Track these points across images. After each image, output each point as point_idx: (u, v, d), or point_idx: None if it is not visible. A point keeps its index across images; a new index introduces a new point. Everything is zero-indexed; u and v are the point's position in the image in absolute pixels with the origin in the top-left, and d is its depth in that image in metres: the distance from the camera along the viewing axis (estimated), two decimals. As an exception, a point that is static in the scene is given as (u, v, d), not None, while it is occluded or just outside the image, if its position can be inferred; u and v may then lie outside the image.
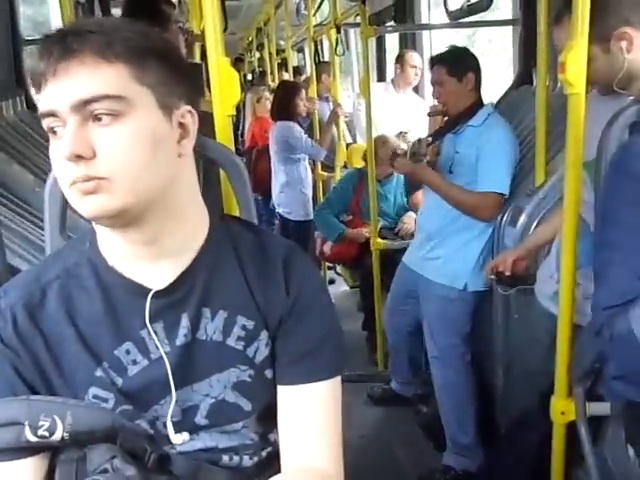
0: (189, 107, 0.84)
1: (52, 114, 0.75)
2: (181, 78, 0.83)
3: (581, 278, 1.46)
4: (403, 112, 3.75)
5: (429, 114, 2.48)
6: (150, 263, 0.85)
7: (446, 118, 2.37)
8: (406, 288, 2.52)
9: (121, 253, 0.86)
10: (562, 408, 1.50)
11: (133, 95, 0.76)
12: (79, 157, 0.74)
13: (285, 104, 3.81)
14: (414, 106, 3.85)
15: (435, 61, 2.35)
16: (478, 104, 2.28)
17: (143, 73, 0.77)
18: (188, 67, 0.86)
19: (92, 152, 0.74)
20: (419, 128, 3.30)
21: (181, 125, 0.83)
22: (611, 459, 1.29)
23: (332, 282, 4.36)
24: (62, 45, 0.74)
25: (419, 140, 2.42)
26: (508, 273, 1.87)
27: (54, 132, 0.77)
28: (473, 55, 2.33)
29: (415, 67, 3.84)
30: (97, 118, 0.75)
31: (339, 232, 3.28)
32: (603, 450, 1.31)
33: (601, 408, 1.36)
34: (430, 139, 2.37)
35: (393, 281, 2.64)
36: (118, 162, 0.75)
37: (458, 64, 2.26)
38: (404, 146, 2.94)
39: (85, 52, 0.74)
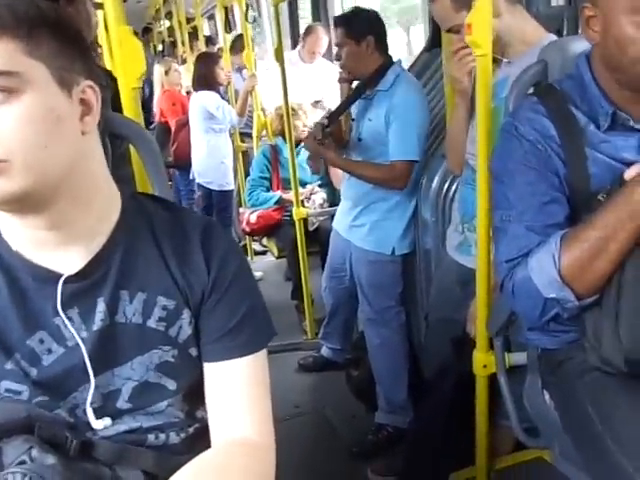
0: (90, 82, 0.79)
1: None
2: (78, 51, 0.78)
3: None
4: (312, 81, 3.76)
5: (338, 80, 2.46)
6: (59, 248, 0.82)
7: (355, 84, 2.35)
8: (341, 254, 2.53)
9: (25, 239, 0.82)
10: (484, 361, 1.57)
11: (26, 70, 0.71)
12: None
13: (205, 74, 3.79)
14: (325, 73, 3.86)
15: (336, 23, 2.32)
16: (386, 66, 2.24)
17: (34, 46, 0.72)
18: (85, 39, 0.81)
19: None
20: (332, 94, 3.30)
21: (82, 101, 0.78)
22: (529, 406, 1.36)
23: (263, 253, 4.35)
24: None
25: (315, 124, 2.40)
26: None
27: None
28: (376, 17, 2.29)
29: (320, 39, 3.87)
30: None
31: (276, 199, 3.33)
32: (522, 398, 1.38)
33: (519, 358, 1.43)
34: (326, 121, 2.31)
35: (330, 247, 2.64)
36: (14, 143, 0.70)
37: (357, 26, 2.22)
38: (319, 115, 2.94)
39: None
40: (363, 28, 2.21)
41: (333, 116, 2.35)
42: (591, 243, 1.03)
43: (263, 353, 0.92)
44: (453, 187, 2.07)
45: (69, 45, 0.76)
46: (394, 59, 2.27)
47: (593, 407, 1.12)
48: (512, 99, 1.29)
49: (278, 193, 3.37)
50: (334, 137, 2.36)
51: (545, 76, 1.29)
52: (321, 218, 3.23)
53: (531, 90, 1.28)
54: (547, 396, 1.31)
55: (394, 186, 2.20)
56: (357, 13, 2.30)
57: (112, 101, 1.18)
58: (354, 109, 2.38)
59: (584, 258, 1.04)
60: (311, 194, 3.29)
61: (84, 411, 0.84)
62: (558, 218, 1.12)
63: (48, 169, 0.74)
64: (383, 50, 2.26)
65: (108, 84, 0.88)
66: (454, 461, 1.83)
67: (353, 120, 2.38)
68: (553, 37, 1.54)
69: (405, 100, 2.17)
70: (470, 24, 1.34)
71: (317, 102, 3.59)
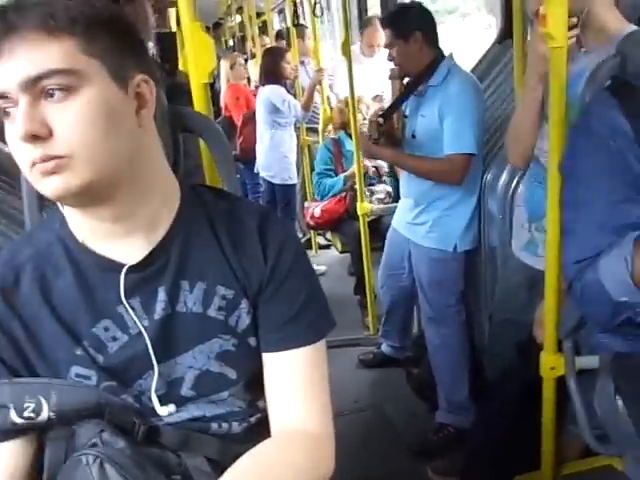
0: (144, 76, 0.80)
1: (2, 96, 0.73)
2: (131, 46, 0.80)
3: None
4: (373, 75, 3.73)
5: (389, 77, 2.42)
6: (121, 238, 0.84)
7: (406, 80, 2.31)
8: (399, 252, 2.51)
9: (91, 231, 0.85)
10: (551, 363, 1.52)
11: (83, 67, 0.73)
12: (35, 137, 0.71)
13: (271, 68, 3.83)
14: (385, 67, 3.83)
15: (383, 24, 2.30)
16: (437, 61, 2.20)
17: (90, 44, 0.74)
18: (138, 34, 0.83)
19: (48, 131, 0.72)
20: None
21: (138, 95, 0.80)
22: (600, 411, 1.31)
23: (327, 247, 4.36)
24: (3, 23, 0.71)
25: (369, 122, 2.37)
26: None
27: (7, 114, 0.74)
28: (421, 11, 2.24)
29: (378, 31, 3.81)
30: (49, 95, 0.72)
31: (340, 181, 3.34)
32: (592, 403, 1.33)
33: (590, 361, 1.38)
34: (380, 119, 2.28)
35: (386, 244, 2.63)
36: (75, 138, 0.73)
37: (402, 25, 2.18)
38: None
39: (28, 27, 0.71)
40: (409, 25, 2.18)
41: (387, 114, 2.32)
42: None
43: (322, 344, 0.92)
44: (521, 184, 2.01)
45: (123, 41, 0.78)
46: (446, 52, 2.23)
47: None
48: (587, 94, 1.23)
49: (341, 176, 3.37)
50: (387, 135, 2.33)
51: (623, 70, 1.22)
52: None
53: (606, 85, 1.22)
54: (620, 402, 1.26)
55: (451, 180, 2.16)
56: (402, 11, 2.28)
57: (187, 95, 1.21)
58: (406, 106, 2.35)
59: None
60: (371, 185, 3.27)
61: (149, 398, 0.86)
62: (632, 218, 1.06)
63: (109, 162, 0.76)
64: (433, 44, 2.22)
65: (162, 78, 0.90)
66: (518, 465, 1.79)
67: (405, 117, 2.35)
68: (634, 27, 1.46)
69: (459, 93, 2.12)
70: (545, 15, 1.29)
71: (377, 96, 3.56)
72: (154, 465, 0.83)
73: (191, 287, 0.87)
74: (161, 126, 0.87)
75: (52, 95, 0.72)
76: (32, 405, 0.78)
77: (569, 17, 1.30)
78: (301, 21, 4.70)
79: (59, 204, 0.84)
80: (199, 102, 1.15)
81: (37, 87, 0.72)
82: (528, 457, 1.73)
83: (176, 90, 1.30)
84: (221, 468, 0.82)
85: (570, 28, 1.35)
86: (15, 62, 0.71)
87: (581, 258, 1.09)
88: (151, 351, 0.85)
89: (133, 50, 0.80)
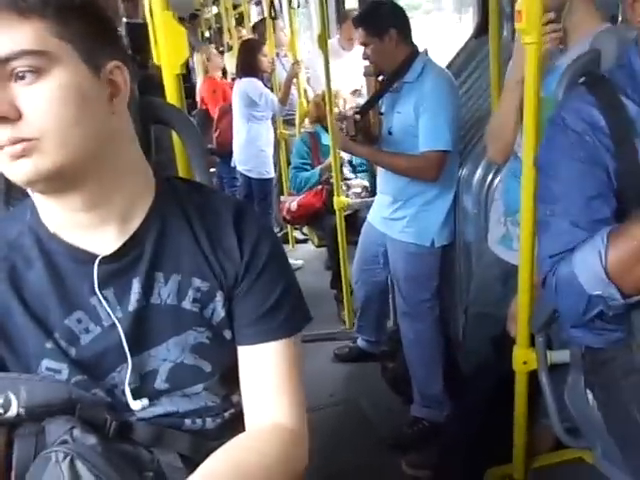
0: (117, 62, 0.79)
1: None
2: (104, 32, 0.79)
3: None
4: (351, 69, 3.72)
5: (364, 74, 2.42)
6: (94, 229, 0.83)
7: (381, 77, 2.31)
8: (374, 247, 2.51)
9: (63, 220, 0.83)
10: (524, 357, 1.54)
11: (54, 50, 0.72)
12: (3, 119, 0.70)
13: (249, 61, 3.80)
14: (364, 61, 3.84)
15: (355, 22, 2.28)
16: (411, 57, 2.20)
17: (62, 27, 0.73)
18: (112, 21, 0.82)
19: (17, 113, 0.71)
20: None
21: (111, 82, 0.79)
22: (571, 405, 1.33)
23: (304, 242, 4.35)
24: None
25: (346, 117, 2.37)
26: None
27: None
28: (394, 8, 2.24)
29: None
30: (19, 77, 0.71)
31: (316, 174, 3.34)
32: (564, 397, 1.35)
33: (561, 356, 1.39)
34: (357, 116, 2.28)
35: (360, 239, 2.63)
36: (45, 121, 0.72)
37: (376, 23, 2.17)
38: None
39: None
40: (384, 23, 2.17)
41: (363, 110, 2.31)
42: None
43: (297, 338, 0.92)
44: (497, 179, 2.03)
45: (96, 27, 0.77)
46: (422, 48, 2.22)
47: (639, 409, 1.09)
48: (561, 90, 1.25)
49: (317, 169, 3.37)
50: (363, 132, 2.33)
51: (597, 66, 1.24)
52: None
53: (581, 80, 1.23)
54: (590, 396, 1.28)
55: (427, 177, 2.17)
56: (375, 8, 2.25)
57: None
58: (382, 103, 2.34)
59: (632, 255, 1.00)
60: (347, 180, 3.27)
61: (122, 391, 0.85)
62: (605, 213, 1.07)
63: (79, 146, 0.75)
64: (408, 40, 2.22)
65: (134, 70, 0.88)
66: (490, 457, 1.81)
67: (381, 114, 2.35)
68: (607, 25, 1.48)
69: (434, 90, 2.13)
70: (520, 11, 1.30)
71: (356, 91, 3.56)
72: (126, 462, 0.82)
73: (166, 279, 0.86)
74: (132, 118, 0.85)
75: (22, 77, 0.71)
76: (0, 401, 0.77)
77: (546, 12, 1.31)
78: (278, 14, 4.66)
79: (29, 192, 0.82)
80: (171, 94, 1.13)
81: (6, 68, 0.70)
82: (501, 450, 1.75)
83: (148, 83, 1.28)
84: (194, 464, 0.81)
85: (547, 23, 1.36)
86: None
87: (555, 252, 1.10)
88: (125, 343, 0.84)
89: (106, 37, 0.79)
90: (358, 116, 2.28)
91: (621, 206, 1.08)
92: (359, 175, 3.37)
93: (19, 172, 0.73)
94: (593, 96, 1.11)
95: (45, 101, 0.71)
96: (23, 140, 0.71)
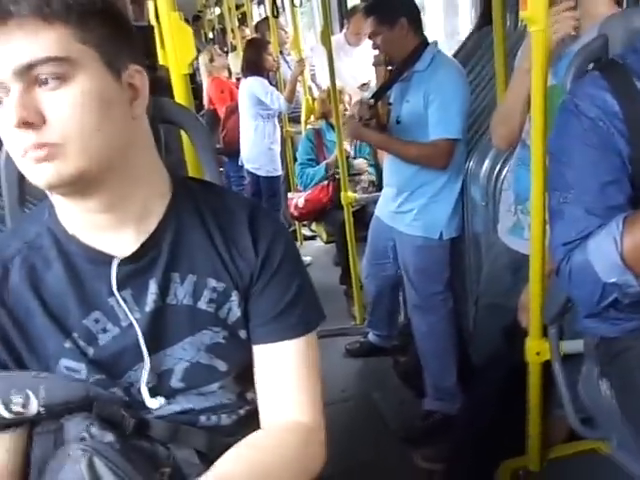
0: (137, 66, 0.80)
1: None
2: (125, 37, 0.80)
3: None
4: (359, 64, 3.72)
5: (373, 64, 2.41)
6: (112, 230, 0.84)
7: (390, 67, 2.31)
8: (383, 241, 2.50)
9: (81, 222, 0.84)
10: (537, 348, 1.53)
11: (77, 56, 0.73)
12: (28, 124, 0.71)
13: (254, 60, 3.82)
14: (372, 55, 3.84)
15: (366, 11, 2.27)
16: (421, 47, 2.20)
17: (85, 32, 0.74)
18: (131, 25, 0.83)
19: (41, 118, 0.72)
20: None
21: (131, 86, 0.80)
22: (586, 395, 1.32)
23: (312, 238, 4.36)
24: None
25: (360, 102, 2.37)
26: None
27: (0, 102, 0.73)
28: None
29: (363, 19, 3.82)
30: (43, 82, 0.72)
31: (322, 170, 3.35)
32: (578, 387, 1.34)
33: (575, 346, 1.39)
34: (372, 100, 2.28)
35: (369, 234, 2.62)
36: (68, 126, 0.73)
37: (387, 11, 2.17)
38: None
39: (23, 14, 0.71)
40: (394, 11, 2.17)
41: (377, 96, 2.32)
42: None
43: (313, 335, 0.92)
44: (505, 170, 2.02)
45: (116, 31, 0.78)
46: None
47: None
48: (569, 77, 1.24)
49: (322, 164, 3.38)
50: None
51: (606, 51, 1.23)
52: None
53: (591, 66, 1.22)
54: (605, 386, 1.27)
55: (436, 165, 2.17)
56: None
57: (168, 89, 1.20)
58: (390, 93, 2.34)
59: None
60: (358, 174, 3.27)
61: (139, 390, 0.86)
62: (620, 200, 1.06)
63: (101, 152, 0.76)
64: (418, 31, 2.22)
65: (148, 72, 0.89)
66: (503, 450, 1.81)
67: (390, 104, 2.35)
68: (614, 10, 1.47)
69: (444, 79, 2.13)
70: (525, -1, 1.29)
71: (364, 85, 3.55)
72: (143, 458, 0.82)
73: (182, 279, 0.87)
74: None
75: (46, 83, 0.72)
76: (20, 399, 0.78)
77: None
78: (280, 12, 4.66)
79: (48, 193, 0.83)
80: (179, 93, 1.14)
81: (31, 74, 0.71)
82: (514, 442, 1.75)
83: (157, 84, 1.29)
84: (210, 460, 0.82)
85: (566, 9, 1.36)
86: (9, 49, 0.70)
87: (569, 240, 1.08)
88: (142, 343, 0.85)
89: (126, 40, 0.80)
90: (372, 100, 2.28)
91: (636, 192, 1.07)
92: (359, 156, 3.36)
93: (42, 176, 0.74)
94: (606, 81, 1.09)
95: (68, 107, 0.72)
96: (46, 145, 0.72)
